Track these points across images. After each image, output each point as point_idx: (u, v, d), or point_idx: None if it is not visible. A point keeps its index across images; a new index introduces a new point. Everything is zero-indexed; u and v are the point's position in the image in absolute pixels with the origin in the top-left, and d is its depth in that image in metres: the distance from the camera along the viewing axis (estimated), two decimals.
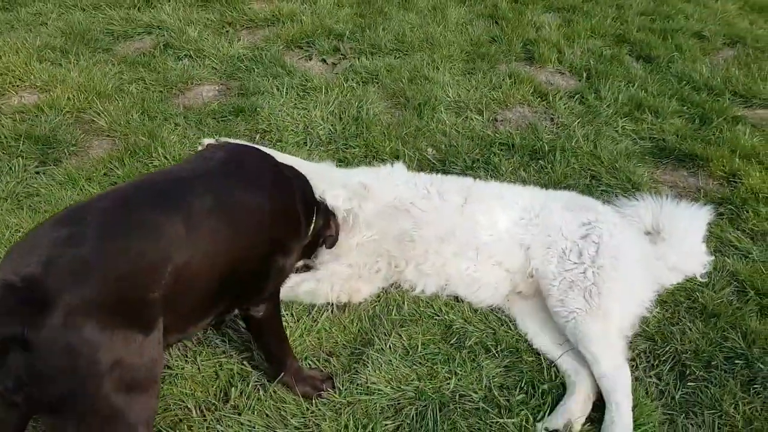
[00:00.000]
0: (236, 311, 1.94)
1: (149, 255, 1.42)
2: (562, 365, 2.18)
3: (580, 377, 2.11)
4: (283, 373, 2.02)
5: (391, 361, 2.16)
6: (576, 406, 2.02)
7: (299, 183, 2.07)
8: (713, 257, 2.63)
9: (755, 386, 2.15)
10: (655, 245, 2.54)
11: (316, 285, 2.36)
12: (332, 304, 2.38)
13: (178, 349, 2.17)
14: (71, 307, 1.24)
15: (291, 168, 2.09)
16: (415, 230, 2.41)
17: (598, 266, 2.25)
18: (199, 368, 2.11)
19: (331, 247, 2.33)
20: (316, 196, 2.20)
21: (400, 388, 2.09)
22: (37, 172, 3.02)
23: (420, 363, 2.18)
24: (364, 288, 2.41)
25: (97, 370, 1.28)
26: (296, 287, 2.35)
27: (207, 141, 2.34)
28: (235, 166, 1.82)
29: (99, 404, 1.32)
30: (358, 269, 2.39)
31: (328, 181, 2.45)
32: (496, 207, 2.47)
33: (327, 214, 2.27)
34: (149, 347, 1.39)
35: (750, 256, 2.70)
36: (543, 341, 2.27)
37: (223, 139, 2.27)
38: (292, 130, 3.42)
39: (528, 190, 2.66)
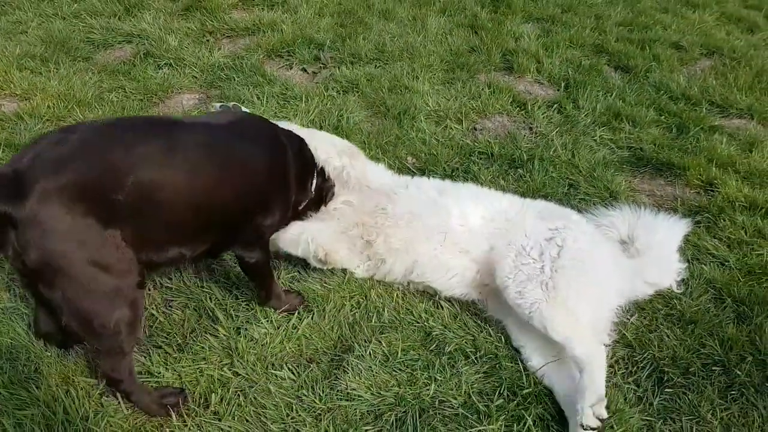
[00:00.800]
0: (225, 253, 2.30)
1: (116, 163, 1.68)
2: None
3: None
4: (270, 300, 2.32)
5: (371, 367, 2.16)
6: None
7: (295, 146, 2.29)
8: (687, 268, 2.63)
9: (732, 392, 2.17)
10: (629, 256, 2.56)
11: (298, 235, 2.42)
12: (312, 260, 2.48)
13: (158, 355, 2.15)
14: (45, 191, 1.55)
15: (290, 132, 2.32)
16: (389, 204, 2.51)
17: (559, 266, 2.24)
18: (179, 375, 2.10)
19: (330, 199, 2.52)
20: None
21: (380, 394, 2.08)
22: None
23: (400, 369, 2.18)
24: (342, 251, 2.48)
25: (64, 243, 1.59)
26: (281, 233, 2.39)
27: (218, 104, 2.46)
28: (234, 122, 2.10)
29: (73, 272, 1.63)
30: (338, 231, 2.49)
31: (320, 140, 2.57)
32: (471, 203, 2.52)
33: (325, 172, 2.53)
34: (110, 240, 1.67)
35: (727, 263, 2.74)
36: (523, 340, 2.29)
37: (233, 104, 2.39)
38: None
39: (508, 197, 2.68)
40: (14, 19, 4.58)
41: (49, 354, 2.13)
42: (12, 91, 3.67)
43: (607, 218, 2.71)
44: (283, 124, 2.46)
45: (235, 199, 1.99)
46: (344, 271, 2.54)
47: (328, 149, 2.56)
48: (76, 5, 4.80)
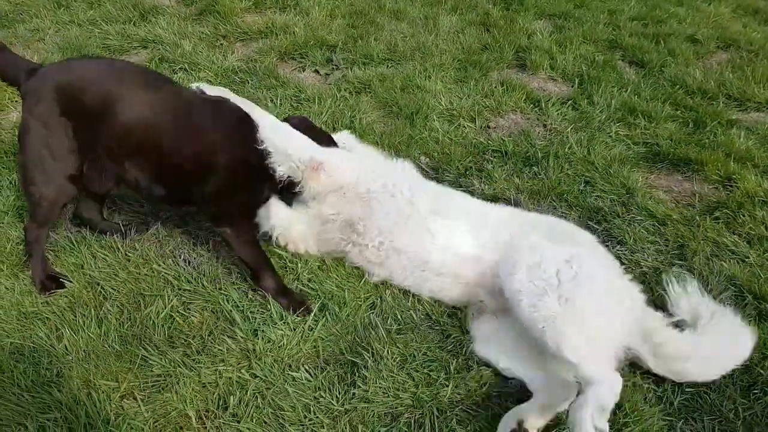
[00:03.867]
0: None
1: (96, 85, 2.27)
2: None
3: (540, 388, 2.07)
4: (260, 284, 2.43)
5: (388, 368, 2.16)
6: (531, 409, 1.98)
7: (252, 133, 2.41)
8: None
9: (755, 391, 2.14)
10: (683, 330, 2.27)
11: (265, 218, 2.55)
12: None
13: (178, 355, 2.18)
14: (42, 76, 2.27)
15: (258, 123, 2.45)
16: (361, 220, 2.46)
17: (574, 285, 2.06)
18: (199, 374, 2.13)
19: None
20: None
21: (397, 395, 2.09)
22: None
23: (416, 370, 2.18)
24: (302, 246, 2.60)
25: (34, 117, 2.26)
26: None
27: (195, 85, 2.57)
28: (205, 100, 2.45)
29: (28, 141, 2.29)
30: (305, 228, 2.57)
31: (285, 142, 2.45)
32: (462, 224, 2.40)
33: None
34: (61, 127, 2.25)
35: (747, 260, 2.69)
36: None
37: (197, 85, 2.56)
38: None
39: (508, 212, 2.57)
40: (32, 26, 4.66)
41: (70, 358, 2.17)
42: None
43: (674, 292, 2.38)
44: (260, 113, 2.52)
45: (179, 152, 2.33)
46: (359, 272, 2.55)
47: (281, 162, 2.43)
48: (91, 12, 4.86)
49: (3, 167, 3.14)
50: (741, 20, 5.32)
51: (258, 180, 2.48)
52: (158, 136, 2.30)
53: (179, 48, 4.23)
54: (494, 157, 3.39)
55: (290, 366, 2.17)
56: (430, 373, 2.17)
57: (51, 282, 2.45)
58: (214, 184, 2.37)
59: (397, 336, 2.30)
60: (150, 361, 2.17)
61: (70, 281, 2.47)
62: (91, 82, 2.27)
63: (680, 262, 2.70)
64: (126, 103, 2.25)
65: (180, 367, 2.14)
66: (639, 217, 2.94)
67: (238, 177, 2.42)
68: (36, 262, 2.46)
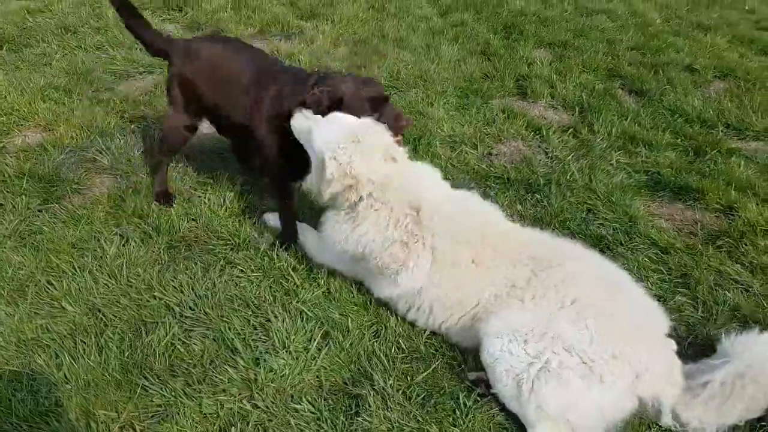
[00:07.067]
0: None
1: (201, 51, 2.86)
2: None
3: None
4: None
5: (393, 399, 2.14)
6: None
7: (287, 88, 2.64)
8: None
9: (763, 424, 2.11)
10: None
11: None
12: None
13: (179, 384, 2.16)
14: (175, 50, 2.89)
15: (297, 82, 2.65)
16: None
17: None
18: (200, 404, 2.10)
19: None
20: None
21: (400, 427, 2.05)
22: (40, 210, 3.04)
23: (422, 401, 2.15)
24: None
25: (171, 78, 2.93)
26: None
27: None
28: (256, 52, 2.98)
29: (168, 92, 2.99)
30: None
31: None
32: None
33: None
34: (178, 85, 2.91)
35: (751, 290, 2.69)
36: None
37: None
38: None
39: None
40: (39, 51, 4.72)
41: (69, 387, 2.14)
42: (36, 122, 3.77)
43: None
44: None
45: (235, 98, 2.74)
46: (364, 296, 2.54)
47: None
48: (98, 37, 4.94)
49: (7, 191, 3.15)
50: (737, 50, 5.40)
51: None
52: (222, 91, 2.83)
53: None
54: (497, 183, 3.40)
55: (292, 397, 2.14)
56: (436, 405, 2.14)
57: (165, 197, 3.08)
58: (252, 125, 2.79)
59: (403, 365, 2.27)
60: (150, 391, 2.14)
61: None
62: (193, 52, 2.86)
63: (684, 290, 2.69)
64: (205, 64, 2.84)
65: (181, 397, 2.12)
66: (642, 246, 2.94)
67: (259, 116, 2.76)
68: (159, 176, 3.11)
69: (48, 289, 2.56)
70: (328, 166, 2.24)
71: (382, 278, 2.38)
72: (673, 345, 2.13)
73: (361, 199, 2.30)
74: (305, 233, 2.80)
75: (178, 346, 2.32)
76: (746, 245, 2.92)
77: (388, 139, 2.35)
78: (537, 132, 3.94)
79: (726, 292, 2.67)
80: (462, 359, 2.32)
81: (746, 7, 6.61)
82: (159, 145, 3.19)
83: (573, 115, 4.20)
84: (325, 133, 2.31)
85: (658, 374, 2.00)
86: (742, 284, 2.73)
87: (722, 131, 3.99)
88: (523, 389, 1.98)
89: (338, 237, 2.41)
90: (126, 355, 2.28)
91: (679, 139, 3.90)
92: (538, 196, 3.29)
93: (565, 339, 1.97)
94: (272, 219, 2.99)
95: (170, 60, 2.88)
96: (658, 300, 2.57)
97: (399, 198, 2.30)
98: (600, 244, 2.94)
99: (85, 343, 2.32)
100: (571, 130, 3.97)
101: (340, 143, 2.26)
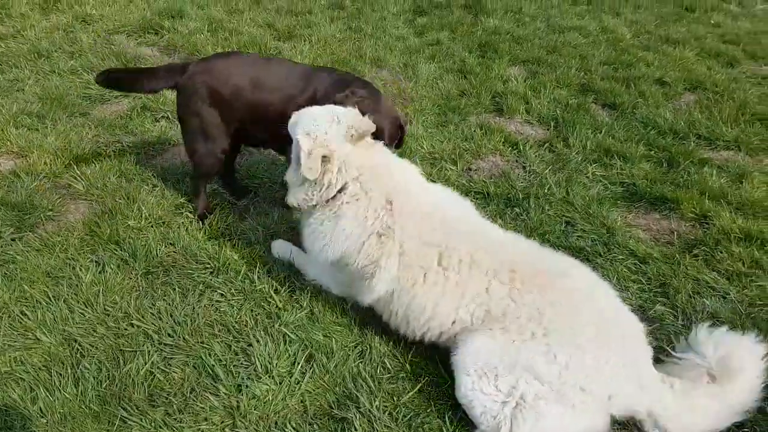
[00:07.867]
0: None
1: (229, 77, 2.88)
2: None
3: None
4: None
5: (379, 421, 2.11)
6: None
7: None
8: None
9: (744, 430, 2.13)
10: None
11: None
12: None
13: (159, 414, 2.09)
14: (193, 75, 2.87)
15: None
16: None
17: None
18: None
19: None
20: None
21: None
22: (13, 239, 2.97)
23: (409, 422, 2.13)
24: None
25: (191, 108, 2.89)
26: None
27: None
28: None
29: (188, 127, 2.98)
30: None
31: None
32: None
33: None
34: (213, 117, 2.90)
35: (728, 296, 2.74)
36: None
37: None
38: (270, 187, 3.46)
39: None
40: (11, 77, 4.66)
41: (45, 421, 2.07)
42: (9, 148, 3.70)
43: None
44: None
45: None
46: (348, 317, 2.52)
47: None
48: (72, 62, 4.90)
49: None
50: (705, 63, 5.56)
51: None
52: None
53: (161, 96, 4.25)
54: (477, 198, 3.43)
55: (276, 423, 2.10)
56: (423, 424, 2.12)
57: (207, 215, 3.18)
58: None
59: (388, 385, 2.25)
60: (129, 422, 2.08)
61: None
62: (223, 79, 2.87)
63: (663, 299, 2.73)
64: (242, 90, 2.87)
65: (161, 427, 2.06)
66: (620, 256, 2.98)
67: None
68: (201, 200, 3.18)
69: (21, 319, 2.49)
70: (303, 142, 2.21)
71: (361, 283, 2.34)
72: (649, 353, 2.13)
73: (345, 186, 2.27)
74: (297, 254, 2.79)
75: (158, 375, 2.26)
76: (722, 252, 2.98)
77: (368, 126, 2.33)
78: (514, 147, 3.99)
79: (704, 299, 2.71)
80: (448, 375, 2.30)
81: (712, 22, 6.83)
82: (195, 171, 3.12)
83: (548, 129, 4.27)
84: (305, 117, 2.33)
85: (630, 392, 2.00)
86: (719, 291, 2.78)
87: (694, 142, 4.08)
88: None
89: (319, 243, 2.37)
90: (104, 385, 2.22)
91: (653, 151, 3.98)
92: (517, 210, 3.32)
93: (536, 369, 1.94)
94: (278, 248, 2.90)
95: (187, 88, 2.85)
96: (639, 310, 2.62)
97: (379, 187, 2.27)
98: (579, 256, 2.96)
99: (60, 374, 2.25)
100: (547, 144, 4.03)
101: (316, 120, 2.27)
